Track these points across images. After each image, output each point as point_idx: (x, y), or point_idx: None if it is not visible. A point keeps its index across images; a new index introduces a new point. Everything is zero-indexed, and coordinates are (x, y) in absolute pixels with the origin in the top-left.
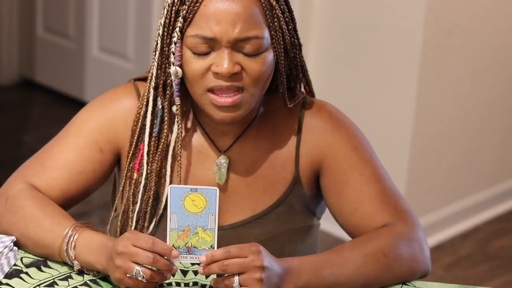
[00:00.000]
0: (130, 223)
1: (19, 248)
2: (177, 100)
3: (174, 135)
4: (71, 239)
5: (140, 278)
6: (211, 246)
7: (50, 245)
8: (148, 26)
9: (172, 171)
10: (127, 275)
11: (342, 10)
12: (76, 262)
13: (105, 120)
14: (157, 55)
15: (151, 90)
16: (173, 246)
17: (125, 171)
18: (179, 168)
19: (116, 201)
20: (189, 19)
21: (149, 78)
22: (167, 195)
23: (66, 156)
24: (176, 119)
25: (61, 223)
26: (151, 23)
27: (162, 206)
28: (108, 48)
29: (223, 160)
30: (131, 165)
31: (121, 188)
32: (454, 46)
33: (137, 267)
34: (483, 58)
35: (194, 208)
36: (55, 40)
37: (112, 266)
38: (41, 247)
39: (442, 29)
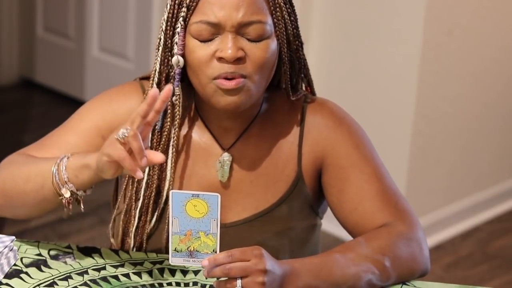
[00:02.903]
0: (132, 220)
1: (17, 240)
2: (177, 90)
3: (176, 128)
4: (65, 158)
5: (121, 137)
6: (213, 250)
7: (44, 170)
8: (148, 26)
9: (173, 165)
10: (115, 137)
11: (342, 10)
12: (66, 176)
13: (109, 109)
14: (160, 51)
15: (154, 86)
16: (175, 249)
17: None
18: (172, 160)
19: (119, 199)
20: (192, 7)
21: (152, 74)
22: (167, 190)
23: (67, 137)
24: (174, 110)
25: (54, 158)
26: (151, 23)
27: (163, 201)
28: (108, 48)
29: (226, 157)
30: None
31: (124, 186)
32: (454, 46)
33: (123, 129)
34: (483, 58)
35: (196, 213)
36: (55, 40)
37: (101, 154)
38: (32, 179)
39: (442, 29)
